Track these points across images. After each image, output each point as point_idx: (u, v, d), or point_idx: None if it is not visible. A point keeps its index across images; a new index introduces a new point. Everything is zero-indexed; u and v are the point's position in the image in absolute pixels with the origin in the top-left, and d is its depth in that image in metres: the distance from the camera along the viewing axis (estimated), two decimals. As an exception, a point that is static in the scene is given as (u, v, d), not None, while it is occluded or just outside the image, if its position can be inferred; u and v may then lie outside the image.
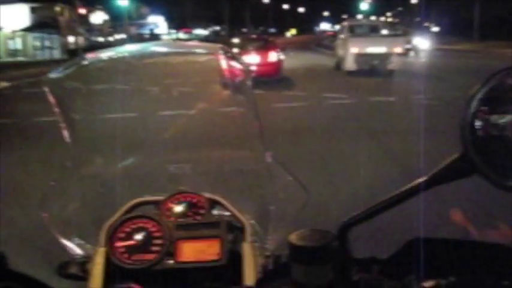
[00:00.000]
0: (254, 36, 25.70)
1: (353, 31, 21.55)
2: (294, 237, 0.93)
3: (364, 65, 19.20)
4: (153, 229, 1.19)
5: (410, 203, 0.91)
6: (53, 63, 29.48)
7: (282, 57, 18.42)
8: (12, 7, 39.88)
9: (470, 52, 34.55)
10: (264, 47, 17.87)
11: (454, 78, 17.00)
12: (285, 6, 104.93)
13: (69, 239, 1.29)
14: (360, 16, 69.44)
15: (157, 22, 72.24)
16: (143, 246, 1.17)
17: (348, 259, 0.97)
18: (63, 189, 1.35)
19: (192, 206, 1.33)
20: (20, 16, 40.96)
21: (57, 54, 41.09)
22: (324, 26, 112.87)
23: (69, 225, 1.32)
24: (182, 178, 1.47)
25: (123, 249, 1.17)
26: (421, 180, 0.89)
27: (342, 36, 21.71)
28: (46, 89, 1.25)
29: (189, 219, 1.29)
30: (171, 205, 1.33)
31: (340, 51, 21.48)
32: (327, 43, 38.96)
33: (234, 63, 1.32)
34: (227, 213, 1.32)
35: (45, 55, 41.27)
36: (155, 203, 1.34)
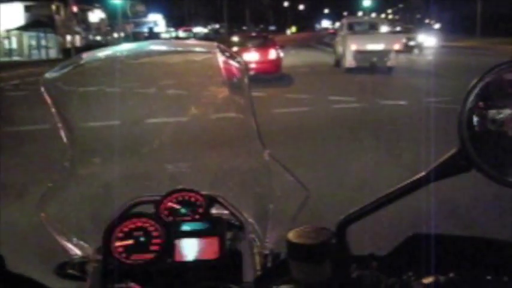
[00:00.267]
0: (254, 34, 26.07)
1: (352, 28, 21.69)
2: (292, 235, 0.93)
3: (363, 62, 19.34)
4: (152, 228, 1.19)
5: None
6: (44, 62, 29.23)
7: (282, 54, 18.53)
8: (6, 6, 39.38)
9: (475, 49, 34.02)
10: (263, 45, 18.06)
11: (464, 77, 16.54)
12: (285, 4, 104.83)
13: (67, 239, 1.29)
14: (360, 13, 69.34)
15: (157, 20, 72.06)
16: (142, 246, 1.17)
17: (346, 256, 0.97)
18: (61, 189, 1.35)
19: (190, 205, 1.33)
20: (15, 15, 40.48)
21: (53, 53, 40.73)
22: (325, 24, 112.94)
23: (68, 226, 1.32)
24: (180, 177, 1.47)
25: (121, 249, 1.17)
26: (419, 176, 0.89)
27: (341, 33, 21.78)
28: (42, 89, 1.25)
29: (187, 218, 1.29)
30: (169, 204, 1.33)
31: (339, 49, 21.62)
32: (327, 41, 38.84)
33: (231, 62, 1.32)
34: (226, 212, 1.32)
35: (41, 54, 40.94)
36: (154, 202, 1.34)
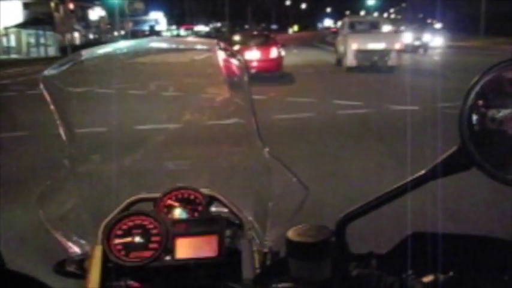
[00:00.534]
0: (255, 32, 26.17)
1: (353, 28, 21.72)
2: (291, 233, 0.93)
3: (364, 61, 19.46)
4: (151, 226, 1.19)
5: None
6: (40, 61, 28.90)
7: (283, 53, 18.68)
8: (5, 3, 38.88)
9: (480, 49, 33.46)
10: (265, 43, 18.23)
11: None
12: (288, 2, 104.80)
13: (66, 237, 1.29)
14: (362, 12, 69.31)
15: (158, 18, 71.70)
16: (141, 243, 1.17)
17: (345, 254, 0.97)
18: (60, 187, 1.34)
19: (189, 203, 1.32)
20: (13, 12, 40.00)
21: (52, 51, 40.34)
22: (327, 23, 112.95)
23: (67, 223, 1.31)
24: (180, 174, 1.47)
25: (120, 247, 1.17)
26: (419, 174, 0.88)
27: (343, 32, 21.87)
28: (41, 86, 1.25)
29: (186, 216, 1.29)
30: (168, 202, 1.32)
31: (340, 48, 21.76)
32: (330, 40, 38.75)
33: (230, 59, 1.31)
34: (225, 210, 1.31)
35: (40, 52, 40.56)
36: (153, 200, 1.33)
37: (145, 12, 70.55)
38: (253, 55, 16.98)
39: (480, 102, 0.81)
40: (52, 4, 40.60)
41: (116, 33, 51.90)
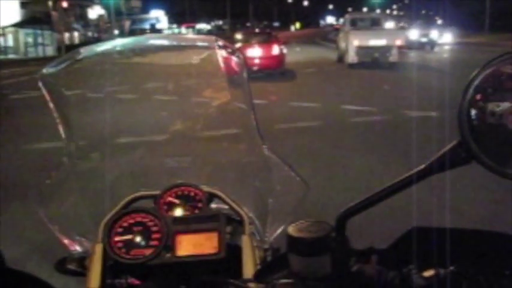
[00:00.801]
0: (257, 30, 26.28)
1: (355, 24, 21.77)
2: (292, 229, 0.93)
3: (365, 57, 19.57)
4: (151, 223, 1.19)
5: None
6: (34, 61, 28.36)
7: (285, 50, 18.77)
8: (2, 2, 37.58)
9: (486, 45, 31.87)
10: (266, 41, 18.31)
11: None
12: (290, 0, 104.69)
13: (67, 235, 1.29)
14: (365, 9, 69.23)
15: (159, 16, 71.24)
16: (141, 241, 1.17)
17: (346, 250, 0.96)
18: (60, 185, 1.34)
19: (190, 200, 1.32)
20: (10, 11, 39.08)
21: (50, 51, 39.59)
22: (329, 20, 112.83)
23: (67, 221, 1.31)
24: (180, 171, 1.47)
25: (121, 244, 1.16)
26: (419, 168, 0.88)
27: (344, 29, 21.94)
28: (40, 84, 1.25)
29: (187, 213, 1.28)
30: (168, 199, 1.32)
31: (342, 45, 21.87)
32: (332, 37, 38.50)
33: (230, 57, 1.31)
34: (225, 206, 1.31)
35: (38, 52, 39.92)
36: (153, 197, 1.33)
37: (146, 11, 69.92)
38: (255, 52, 17.15)
39: (479, 96, 0.80)
40: (50, 3, 39.71)
41: (116, 32, 51.47)
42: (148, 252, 1.15)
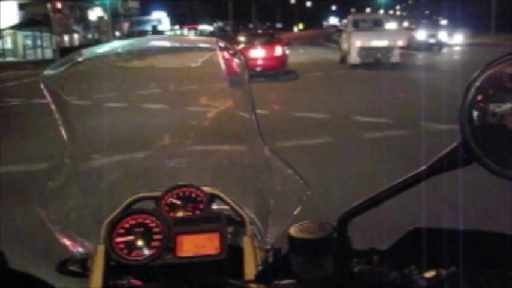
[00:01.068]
0: (260, 31, 26.47)
1: (357, 25, 21.83)
2: (293, 230, 0.93)
3: (367, 58, 19.70)
4: (153, 224, 1.19)
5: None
6: (26, 64, 27.80)
7: (287, 51, 18.97)
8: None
9: (494, 46, 30.30)
10: (269, 42, 18.53)
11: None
12: (292, 1, 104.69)
13: (69, 237, 1.29)
14: (368, 10, 69.13)
15: (161, 18, 70.73)
16: (143, 242, 1.17)
17: (347, 251, 0.97)
18: (62, 186, 1.34)
19: (191, 200, 1.32)
20: (8, 13, 38.40)
21: (49, 53, 38.95)
22: (332, 21, 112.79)
23: (69, 223, 1.32)
24: (181, 173, 1.47)
25: (122, 245, 1.17)
26: (420, 169, 0.88)
27: (347, 30, 22.04)
28: (42, 86, 1.25)
29: (188, 214, 1.29)
30: (170, 200, 1.32)
31: (344, 45, 21.97)
32: (336, 38, 38.38)
33: (231, 58, 1.31)
34: (227, 207, 1.31)
35: (37, 55, 39.44)
36: (154, 198, 1.33)
37: (147, 12, 68.94)
38: (257, 53, 17.44)
39: (481, 97, 0.80)
40: (49, 4, 38.87)
41: (117, 34, 50.99)
42: (150, 253, 1.15)
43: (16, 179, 5.69)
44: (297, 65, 19.86)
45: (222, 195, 1.33)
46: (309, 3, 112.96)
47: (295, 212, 1.26)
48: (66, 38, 42.98)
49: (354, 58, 19.91)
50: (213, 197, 1.34)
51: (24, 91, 13.33)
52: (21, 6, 40.23)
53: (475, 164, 0.81)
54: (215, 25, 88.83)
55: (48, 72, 1.27)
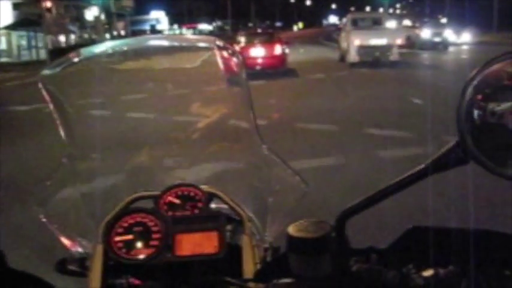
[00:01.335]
0: (259, 30, 26.59)
1: (356, 24, 21.89)
2: (292, 229, 0.94)
3: (366, 56, 19.77)
4: (151, 223, 1.19)
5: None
6: (14, 66, 27.02)
7: (287, 50, 19.03)
8: None
9: (499, 45, 27.97)
10: (269, 41, 18.63)
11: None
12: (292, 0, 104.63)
13: (67, 236, 1.29)
14: (368, 8, 69.02)
15: (159, 17, 70.12)
16: (141, 241, 1.17)
17: (345, 249, 0.97)
18: (60, 186, 1.35)
19: (189, 199, 1.33)
20: (2, 13, 37.72)
21: (44, 54, 36.94)
22: (332, 19, 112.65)
23: (68, 222, 1.32)
24: (179, 171, 1.47)
25: (121, 244, 1.17)
26: (418, 169, 0.88)
27: (346, 29, 22.10)
28: (40, 86, 1.25)
29: (186, 213, 1.29)
30: (168, 199, 1.32)
31: (343, 44, 22.02)
32: (336, 37, 38.23)
33: (229, 57, 1.31)
34: (225, 206, 1.31)
35: (32, 55, 38.63)
36: (153, 198, 1.33)
37: (145, 11, 67.72)
38: (257, 52, 17.61)
39: (479, 96, 0.80)
40: (43, 3, 36.70)
41: (115, 33, 50.30)
42: (148, 252, 1.15)
43: None
44: (297, 64, 19.79)
45: (220, 194, 1.33)
46: (308, 2, 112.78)
47: (293, 210, 1.27)
48: (62, 38, 42.31)
49: (353, 56, 19.97)
50: (211, 196, 1.34)
51: (6, 96, 12.37)
52: (16, 6, 39.32)
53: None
54: (214, 24, 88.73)
55: (46, 72, 1.27)
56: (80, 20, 49.37)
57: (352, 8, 69.61)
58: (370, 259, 0.95)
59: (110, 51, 1.39)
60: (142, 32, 53.33)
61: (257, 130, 1.30)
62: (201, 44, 1.41)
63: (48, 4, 36.38)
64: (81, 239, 1.30)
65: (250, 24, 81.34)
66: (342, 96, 12.56)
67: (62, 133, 1.31)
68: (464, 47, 30.62)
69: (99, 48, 1.41)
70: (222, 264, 1.15)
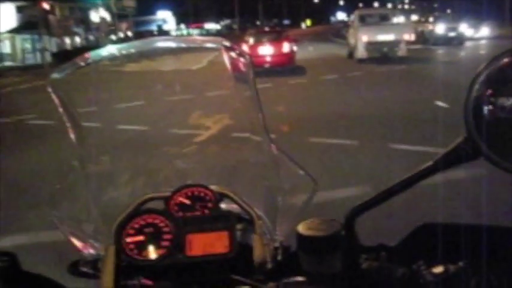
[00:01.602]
0: (267, 29, 26.74)
1: (364, 20, 21.89)
2: (301, 228, 0.94)
3: (374, 52, 19.83)
4: (162, 224, 1.20)
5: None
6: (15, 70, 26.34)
7: (295, 48, 19.09)
8: None
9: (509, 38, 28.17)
10: (277, 39, 18.76)
11: None
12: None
13: (79, 238, 1.30)
14: (376, 4, 68.70)
15: (166, 17, 69.65)
16: (153, 242, 1.18)
17: (356, 247, 0.97)
18: (71, 188, 1.35)
19: (200, 200, 1.33)
20: (6, 16, 37.21)
21: (49, 57, 36.04)
22: (340, 16, 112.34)
23: (79, 224, 1.33)
24: (189, 172, 1.47)
25: (133, 246, 1.18)
26: (426, 165, 0.88)
27: (354, 25, 22.13)
28: (49, 89, 1.26)
29: (197, 213, 1.29)
30: (179, 199, 1.33)
31: (351, 40, 22.09)
32: (344, 33, 37.91)
33: (237, 58, 1.31)
34: (235, 206, 1.32)
35: (37, 58, 37.57)
36: (163, 198, 1.34)
37: (151, 11, 66.87)
38: (266, 51, 17.81)
39: (488, 91, 0.80)
40: (47, 6, 36.57)
41: (122, 35, 49.68)
42: (160, 252, 1.16)
43: None
44: (306, 62, 19.75)
45: (230, 194, 1.33)
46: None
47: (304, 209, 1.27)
48: (67, 40, 41.92)
49: (361, 53, 20.05)
50: (221, 196, 1.34)
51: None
52: (19, 9, 38.93)
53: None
54: (222, 23, 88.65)
55: (55, 75, 1.28)
56: (85, 21, 48.95)
57: (360, 4, 69.33)
58: (380, 256, 0.96)
59: (118, 54, 1.40)
60: (149, 33, 52.67)
61: (266, 129, 1.31)
62: (208, 45, 1.42)
63: (46, 6, 35.96)
64: (93, 240, 1.30)
65: (258, 23, 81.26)
66: (356, 99, 11.67)
67: (72, 136, 1.32)
68: (485, 42, 29.68)
69: (107, 51, 1.42)
70: (233, 263, 1.15)
